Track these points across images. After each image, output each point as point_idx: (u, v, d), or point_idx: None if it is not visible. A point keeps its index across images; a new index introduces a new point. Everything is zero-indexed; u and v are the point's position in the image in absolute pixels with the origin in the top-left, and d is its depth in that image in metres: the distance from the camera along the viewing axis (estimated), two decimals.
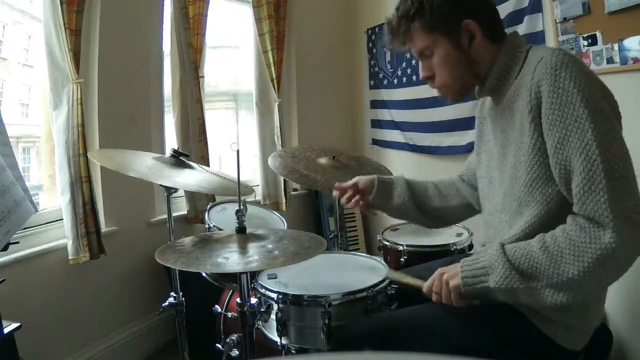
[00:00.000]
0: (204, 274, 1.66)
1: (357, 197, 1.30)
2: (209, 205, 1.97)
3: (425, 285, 1.05)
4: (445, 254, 1.71)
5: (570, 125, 0.87)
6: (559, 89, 0.89)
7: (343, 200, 1.32)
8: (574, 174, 0.87)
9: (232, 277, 1.57)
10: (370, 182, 1.32)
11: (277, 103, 3.01)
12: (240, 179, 1.21)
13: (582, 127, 0.86)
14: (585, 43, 1.88)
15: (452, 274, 0.99)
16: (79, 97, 1.92)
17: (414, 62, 3.00)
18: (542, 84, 0.91)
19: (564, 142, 0.88)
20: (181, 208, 2.54)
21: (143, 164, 1.53)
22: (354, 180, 1.33)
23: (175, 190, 1.60)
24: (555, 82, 0.89)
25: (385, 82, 3.30)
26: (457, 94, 1.09)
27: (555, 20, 2.00)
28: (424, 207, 1.34)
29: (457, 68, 1.04)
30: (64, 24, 1.84)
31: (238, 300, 1.21)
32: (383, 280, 1.28)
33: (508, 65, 1.02)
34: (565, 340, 0.99)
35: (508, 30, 1.09)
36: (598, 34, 1.83)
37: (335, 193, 1.34)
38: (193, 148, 2.54)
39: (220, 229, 1.67)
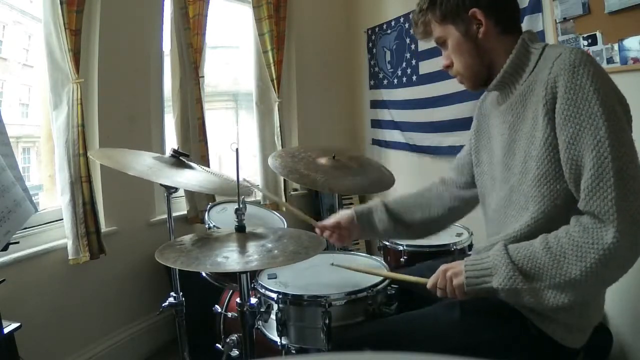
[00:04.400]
0: (203, 274, 1.66)
1: (335, 235, 1.37)
2: (209, 205, 1.97)
3: (429, 282, 1.06)
4: (445, 254, 1.71)
5: (584, 122, 0.88)
6: (575, 85, 0.89)
7: (324, 236, 1.36)
8: (584, 169, 0.88)
9: (232, 277, 1.57)
10: (350, 217, 1.37)
11: (277, 103, 3.01)
12: (240, 178, 1.21)
13: (596, 125, 0.87)
14: (585, 43, 1.88)
15: (455, 272, 1.00)
16: (79, 97, 1.92)
17: (413, 62, 3.00)
18: (559, 80, 0.91)
19: (577, 138, 0.89)
20: (181, 208, 2.54)
21: (143, 164, 1.53)
22: (336, 218, 1.38)
23: (175, 190, 1.60)
24: (573, 78, 0.90)
25: (385, 82, 3.30)
26: (472, 82, 1.12)
27: (555, 20, 1.99)
28: (406, 224, 1.37)
29: (467, 56, 1.07)
30: (64, 24, 1.84)
31: (238, 300, 1.20)
32: (383, 280, 1.27)
33: (521, 61, 1.03)
34: (565, 338, 0.99)
35: None
36: (598, 34, 1.83)
37: (317, 231, 1.38)
38: (193, 148, 2.54)
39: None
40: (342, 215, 1.38)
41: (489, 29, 1.04)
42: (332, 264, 1.31)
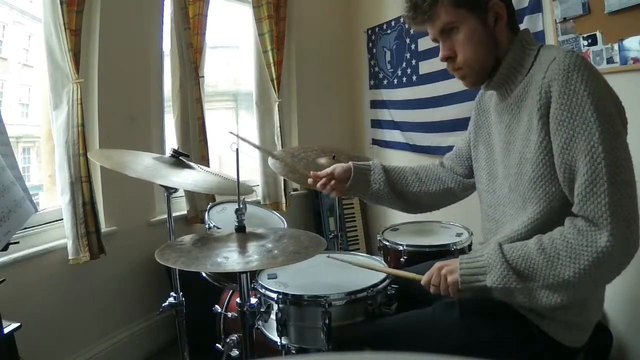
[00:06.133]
0: (204, 274, 1.66)
1: (332, 184, 1.31)
2: (208, 205, 1.97)
3: (424, 278, 1.06)
4: (445, 254, 1.71)
5: (578, 127, 0.88)
6: (569, 90, 0.89)
7: (317, 186, 1.33)
8: (578, 174, 0.88)
9: (232, 277, 1.57)
10: (346, 169, 1.33)
11: (277, 103, 3.01)
12: (240, 178, 1.21)
13: (590, 130, 0.87)
14: (585, 43, 1.88)
15: (450, 269, 1.00)
16: (79, 97, 1.92)
17: (413, 62, 3.00)
18: (553, 84, 0.91)
19: (571, 143, 0.89)
20: (181, 208, 2.54)
21: (143, 164, 1.53)
22: (331, 168, 1.34)
23: (175, 190, 1.60)
24: (567, 83, 0.90)
25: (385, 82, 3.30)
26: (477, 76, 1.06)
27: (555, 20, 1.99)
28: (401, 192, 1.35)
29: (481, 47, 1.02)
30: (64, 24, 1.84)
31: (238, 300, 1.21)
32: (383, 280, 1.27)
33: (517, 62, 1.03)
34: (566, 338, 0.99)
35: None
36: (598, 34, 1.83)
37: (310, 180, 1.34)
38: (193, 148, 2.54)
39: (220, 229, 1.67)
40: (337, 166, 1.34)
41: (505, 23, 1.02)
42: (329, 257, 1.29)
